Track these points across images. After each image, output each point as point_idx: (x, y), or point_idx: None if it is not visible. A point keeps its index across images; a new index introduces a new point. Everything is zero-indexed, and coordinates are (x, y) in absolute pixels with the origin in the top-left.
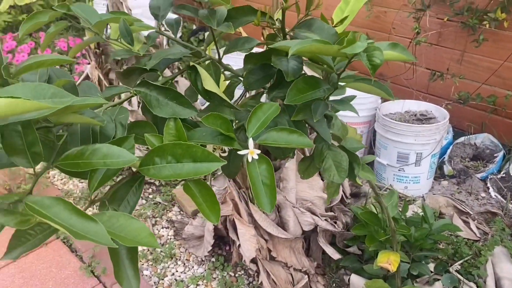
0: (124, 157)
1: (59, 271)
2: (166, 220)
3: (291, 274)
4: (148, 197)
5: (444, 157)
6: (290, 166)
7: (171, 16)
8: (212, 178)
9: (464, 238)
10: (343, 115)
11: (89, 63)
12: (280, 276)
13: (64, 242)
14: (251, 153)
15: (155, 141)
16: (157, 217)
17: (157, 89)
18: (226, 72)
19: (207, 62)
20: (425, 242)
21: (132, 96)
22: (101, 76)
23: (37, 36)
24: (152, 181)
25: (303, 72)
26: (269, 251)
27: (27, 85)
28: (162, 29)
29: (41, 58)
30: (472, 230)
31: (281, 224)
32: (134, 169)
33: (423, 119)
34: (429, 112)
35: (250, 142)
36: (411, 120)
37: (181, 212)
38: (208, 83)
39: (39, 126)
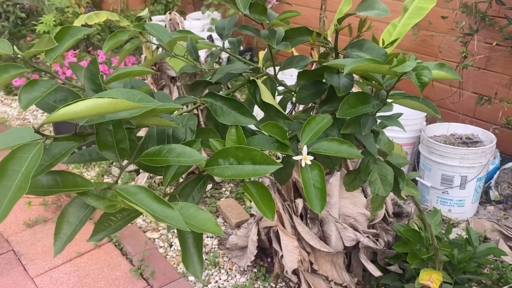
0: (194, 156)
1: (110, 272)
2: None
3: None
4: None
5: (491, 182)
6: (334, 182)
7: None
8: None
9: (510, 264)
10: (389, 136)
11: (144, 79)
12: None
13: (115, 245)
14: (305, 159)
15: (218, 146)
16: None
17: (222, 99)
18: (280, 88)
19: (263, 77)
20: (468, 265)
21: (199, 105)
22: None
23: (96, 54)
24: None
25: None
26: (311, 263)
27: (121, 90)
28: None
29: (128, 69)
30: None
31: (324, 238)
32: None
33: (469, 142)
34: (475, 136)
35: (304, 149)
36: (457, 143)
37: (225, 223)
38: (266, 95)
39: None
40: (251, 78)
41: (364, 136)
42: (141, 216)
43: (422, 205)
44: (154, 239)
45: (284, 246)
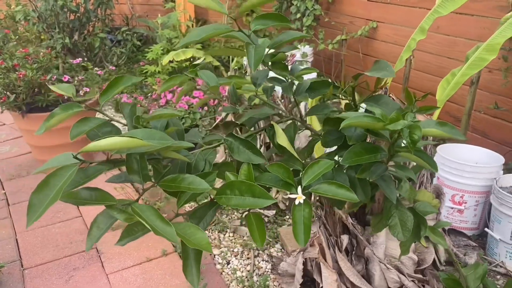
0: (203, 185)
1: (171, 279)
2: (267, 254)
3: None
4: None
5: None
6: None
7: None
8: None
9: None
10: (461, 182)
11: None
12: None
13: (180, 255)
14: (299, 198)
15: (232, 178)
16: (260, 250)
17: (239, 140)
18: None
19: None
20: None
21: (223, 143)
22: (233, 118)
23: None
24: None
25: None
26: None
27: (145, 130)
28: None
29: (160, 112)
30: None
31: (367, 276)
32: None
33: None
34: None
35: (299, 189)
36: None
37: (282, 249)
38: (282, 139)
39: (152, 157)
40: (271, 122)
41: (385, 182)
42: (206, 232)
43: (489, 258)
44: (214, 255)
45: (324, 278)
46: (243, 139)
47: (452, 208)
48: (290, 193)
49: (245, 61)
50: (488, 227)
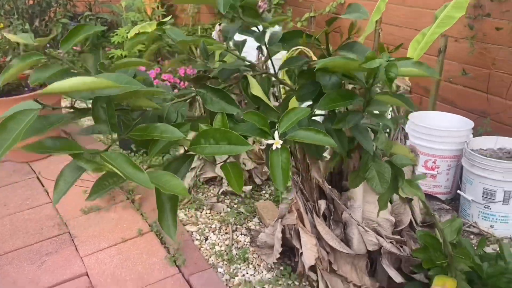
0: (176, 134)
1: (148, 257)
2: (246, 228)
3: None
4: (233, 206)
5: None
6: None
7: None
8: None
9: None
10: (433, 148)
11: None
12: None
13: (156, 234)
14: (276, 143)
15: (205, 128)
16: (238, 224)
17: (212, 90)
18: None
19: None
20: (499, 280)
21: (195, 95)
22: None
23: (164, 63)
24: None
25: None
26: (330, 263)
27: (112, 74)
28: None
29: (126, 60)
30: None
31: (346, 240)
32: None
33: None
34: None
35: (276, 134)
36: (504, 158)
37: (260, 223)
38: (255, 89)
39: (120, 108)
40: (245, 74)
41: (361, 133)
42: (182, 210)
43: (463, 219)
44: (192, 232)
45: (303, 244)
46: (216, 89)
47: (425, 173)
48: (267, 140)
49: (214, 34)
50: (460, 190)
